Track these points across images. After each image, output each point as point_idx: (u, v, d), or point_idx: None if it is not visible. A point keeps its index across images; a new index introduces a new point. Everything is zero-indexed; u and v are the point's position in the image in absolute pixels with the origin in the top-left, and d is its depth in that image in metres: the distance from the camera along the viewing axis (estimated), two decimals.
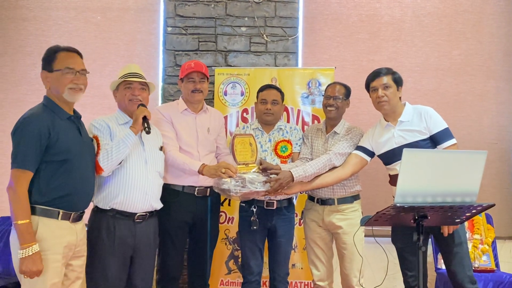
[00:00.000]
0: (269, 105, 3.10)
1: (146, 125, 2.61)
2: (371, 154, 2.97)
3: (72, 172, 2.29)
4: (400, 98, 2.89)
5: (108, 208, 2.59)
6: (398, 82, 2.86)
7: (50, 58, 2.36)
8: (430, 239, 2.99)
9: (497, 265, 3.69)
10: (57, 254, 2.23)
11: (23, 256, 2.14)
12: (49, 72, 2.36)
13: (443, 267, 3.24)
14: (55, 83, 2.35)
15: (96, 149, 2.54)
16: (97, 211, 2.62)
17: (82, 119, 2.54)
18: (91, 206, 2.60)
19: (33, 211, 2.22)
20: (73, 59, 2.37)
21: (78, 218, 2.37)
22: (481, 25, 4.19)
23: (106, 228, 2.57)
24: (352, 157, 2.99)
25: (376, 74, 2.87)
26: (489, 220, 3.79)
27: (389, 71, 2.87)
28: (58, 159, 2.26)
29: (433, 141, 2.76)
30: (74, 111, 2.46)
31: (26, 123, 2.23)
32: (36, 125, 2.22)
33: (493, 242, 3.74)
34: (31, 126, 2.22)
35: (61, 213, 2.27)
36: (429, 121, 2.77)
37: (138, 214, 2.63)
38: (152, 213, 2.72)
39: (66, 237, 2.28)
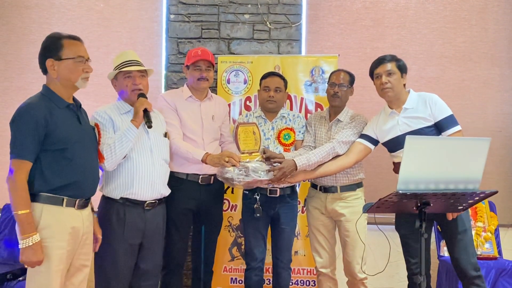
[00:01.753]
0: (272, 92, 3.10)
1: (146, 119, 2.60)
2: (375, 142, 2.97)
3: (73, 160, 2.29)
4: (404, 85, 2.88)
5: (118, 198, 2.61)
6: (402, 69, 2.85)
7: (55, 46, 2.32)
8: (433, 227, 3.00)
9: (499, 252, 3.70)
10: (62, 241, 2.24)
11: (24, 246, 2.14)
12: (57, 60, 2.31)
13: (446, 254, 3.26)
14: (65, 71, 2.31)
15: (97, 137, 2.54)
16: (107, 199, 2.64)
17: (85, 107, 2.54)
18: (99, 193, 2.61)
19: (37, 199, 2.22)
20: (82, 47, 2.37)
21: (84, 205, 2.37)
22: (486, 12, 4.15)
23: (116, 215, 2.60)
24: (356, 145, 2.99)
25: (380, 61, 2.86)
26: (492, 207, 3.79)
27: (393, 58, 2.86)
28: (57, 147, 2.25)
29: (438, 128, 2.75)
30: (74, 99, 2.44)
31: (23, 112, 2.22)
32: (32, 114, 2.20)
33: (496, 230, 3.74)
34: (28, 116, 2.20)
35: (65, 200, 2.27)
36: (433, 108, 2.76)
37: (147, 202, 2.66)
38: (161, 200, 2.75)
39: (71, 224, 2.29)
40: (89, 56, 2.41)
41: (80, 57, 2.33)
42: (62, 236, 2.24)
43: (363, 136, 2.99)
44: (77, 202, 2.31)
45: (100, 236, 2.53)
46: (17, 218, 2.16)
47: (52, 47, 2.32)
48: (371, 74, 2.91)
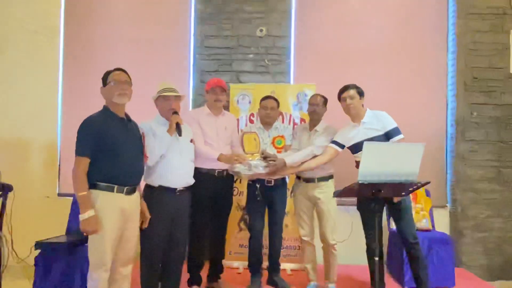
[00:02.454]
0: (268, 110, 3.11)
1: (178, 130, 2.63)
2: (342, 146, 2.97)
3: (119, 157, 2.28)
4: (362, 105, 2.88)
5: (157, 186, 2.61)
6: (360, 94, 2.86)
7: (105, 78, 2.39)
8: (384, 207, 2.98)
9: (433, 226, 3.67)
10: (112, 218, 2.25)
11: (82, 219, 2.15)
12: (104, 87, 2.38)
13: (394, 227, 3.23)
14: (107, 93, 2.36)
15: (142, 141, 2.53)
16: (149, 186, 2.65)
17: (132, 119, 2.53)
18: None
19: (96, 187, 2.23)
20: (119, 75, 2.38)
21: (132, 191, 2.35)
22: (424, 49, 4.13)
23: (156, 198, 2.60)
24: (329, 148, 2.98)
25: (345, 88, 2.87)
26: (427, 193, 3.77)
27: (354, 86, 2.87)
28: (109, 148, 2.26)
29: (387, 136, 2.76)
30: (126, 115, 2.45)
31: (84, 123, 2.26)
32: (90, 124, 2.25)
33: (430, 210, 3.71)
34: (87, 125, 2.25)
35: (116, 188, 2.27)
36: (384, 122, 2.77)
37: (178, 189, 2.66)
38: (187, 188, 2.75)
39: (120, 205, 2.28)
40: (131, 81, 2.42)
41: (114, 81, 2.34)
42: (113, 215, 2.25)
43: (334, 142, 2.98)
44: (125, 189, 2.31)
45: (148, 216, 2.52)
46: (78, 198, 2.17)
47: (104, 79, 2.39)
48: (339, 97, 2.91)
